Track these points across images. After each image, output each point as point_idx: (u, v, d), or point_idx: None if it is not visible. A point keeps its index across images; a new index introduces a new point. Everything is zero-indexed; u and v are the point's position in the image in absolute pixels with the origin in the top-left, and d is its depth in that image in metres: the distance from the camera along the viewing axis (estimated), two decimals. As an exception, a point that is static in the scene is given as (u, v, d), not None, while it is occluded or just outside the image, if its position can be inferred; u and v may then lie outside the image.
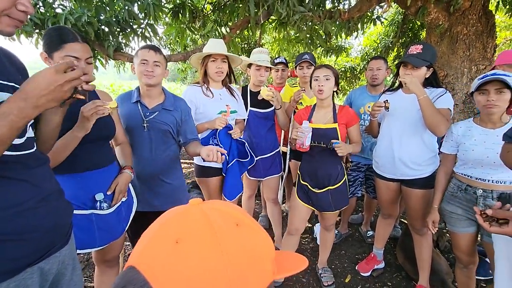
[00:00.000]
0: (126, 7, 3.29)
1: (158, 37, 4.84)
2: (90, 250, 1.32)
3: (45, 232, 0.86)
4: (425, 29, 4.86)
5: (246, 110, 2.10)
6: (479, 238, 1.61)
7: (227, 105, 1.86)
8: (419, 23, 6.63)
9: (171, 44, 6.85)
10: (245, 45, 8.50)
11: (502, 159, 1.13)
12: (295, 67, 2.46)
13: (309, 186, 1.82)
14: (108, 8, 3.56)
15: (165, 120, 1.57)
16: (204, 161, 1.88)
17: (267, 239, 0.49)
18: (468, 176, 1.52)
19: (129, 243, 2.19)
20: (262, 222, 2.84)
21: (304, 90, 2.28)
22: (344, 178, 1.83)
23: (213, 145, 1.80)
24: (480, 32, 4.07)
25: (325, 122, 1.79)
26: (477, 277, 1.73)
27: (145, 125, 1.55)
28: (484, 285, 2.01)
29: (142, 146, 1.56)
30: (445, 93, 1.67)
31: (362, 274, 2.15)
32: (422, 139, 1.72)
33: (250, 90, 2.19)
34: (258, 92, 2.16)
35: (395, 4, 4.48)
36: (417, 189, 1.77)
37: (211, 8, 4.44)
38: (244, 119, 2.08)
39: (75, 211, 1.12)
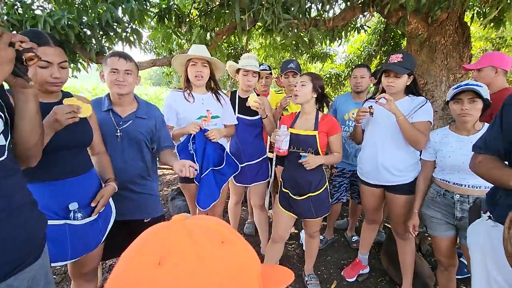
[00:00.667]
0: (110, 11, 3.22)
1: (143, 42, 4.78)
2: (62, 264, 1.26)
3: (15, 246, 0.81)
4: (405, 38, 5.05)
5: None
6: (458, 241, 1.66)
7: (207, 110, 1.85)
8: (400, 32, 6.89)
9: (156, 48, 6.78)
10: (232, 51, 8.53)
11: (471, 169, 1.16)
12: (281, 76, 2.48)
13: (290, 194, 1.82)
14: (90, 11, 3.48)
15: (140, 129, 1.54)
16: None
17: (253, 255, 0.48)
18: (446, 182, 1.58)
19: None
20: (249, 228, 2.83)
21: (291, 96, 2.29)
22: (325, 185, 1.83)
23: (191, 150, 1.78)
24: (457, 42, 4.27)
25: (306, 128, 1.80)
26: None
27: (118, 134, 1.50)
28: (464, 286, 2.08)
29: (114, 156, 1.51)
30: (426, 103, 1.73)
31: (347, 279, 2.17)
32: (404, 146, 1.76)
33: (238, 96, 2.18)
34: (246, 99, 2.16)
35: (378, 13, 4.63)
36: (400, 195, 1.81)
37: (197, 14, 4.43)
38: (234, 125, 2.06)
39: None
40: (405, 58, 1.69)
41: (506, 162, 1.04)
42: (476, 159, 1.14)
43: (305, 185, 1.78)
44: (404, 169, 1.78)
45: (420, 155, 1.82)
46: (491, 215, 1.05)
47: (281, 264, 2.28)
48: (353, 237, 2.67)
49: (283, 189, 1.85)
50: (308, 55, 7.22)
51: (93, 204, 1.27)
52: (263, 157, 2.25)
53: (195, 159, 1.78)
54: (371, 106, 1.75)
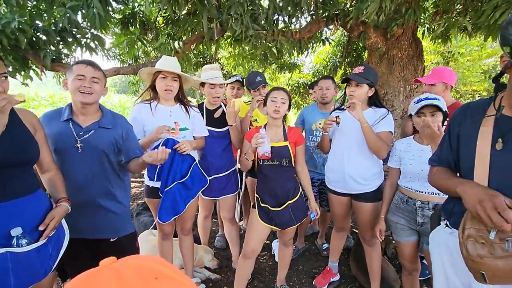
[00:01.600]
0: (67, 15, 3.02)
1: (105, 49, 4.55)
2: (3, 298, 1.11)
3: None
4: (367, 51, 5.37)
5: None
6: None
7: (175, 122, 1.78)
8: (362, 45, 7.32)
9: (120, 55, 6.50)
10: (201, 59, 8.45)
11: (428, 181, 1.23)
12: (249, 89, 2.46)
13: (269, 208, 1.81)
14: (45, 15, 3.24)
15: (103, 140, 1.44)
16: (150, 179, 1.77)
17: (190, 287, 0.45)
18: (408, 189, 1.66)
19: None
20: (219, 242, 2.75)
21: (262, 99, 2.29)
22: (300, 191, 1.89)
23: (159, 165, 1.70)
24: (412, 56, 4.62)
25: (277, 140, 1.84)
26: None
27: (78, 145, 1.39)
28: (426, 287, 2.18)
29: (75, 169, 1.39)
30: (387, 114, 1.82)
31: (319, 288, 2.18)
32: (369, 155, 1.84)
33: (206, 108, 2.13)
34: (214, 111, 2.13)
35: (341, 27, 4.87)
36: (366, 203, 1.87)
37: (164, 21, 4.33)
38: (203, 137, 1.99)
39: None
40: (366, 70, 1.80)
41: (458, 174, 1.11)
42: (432, 171, 1.21)
43: (284, 193, 1.81)
44: (369, 178, 1.85)
45: (383, 163, 1.92)
46: (447, 223, 1.12)
47: (253, 277, 2.24)
48: (324, 245, 2.70)
49: (262, 204, 1.84)
50: (277, 65, 7.37)
51: (41, 228, 1.14)
52: (231, 169, 2.21)
53: (162, 171, 1.71)
54: (338, 116, 1.82)
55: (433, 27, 5.35)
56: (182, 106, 1.86)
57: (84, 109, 1.41)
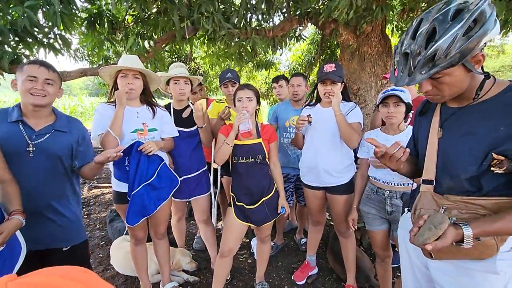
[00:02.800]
0: (26, 14, 2.83)
1: (71, 49, 4.34)
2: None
3: None
4: (340, 48, 5.51)
5: None
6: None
7: (143, 123, 1.73)
8: (335, 42, 7.48)
9: (90, 56, 6.23)
10: (176, 59, 8.28)
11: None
12: (220, 86, 2.45)
13: (244, 206, 1.81)
14: (1, 15, 3.03)
15: (58, 144, 1.38)
16: (119, 183, 1.70)
17: None
18: (377, 180, 1.74)
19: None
20: (198, 243, 2.70)
21: (230, 107, 2.28)
22: (275, 186, 1.90)
23: (127, 166, 1.64)
24: (381, 52, 4.79)
25: (250, 138, 1.82)
26: (392, 265, 1.93)
27: (30, 149, 1.32)
28: (399, 274, 2.27)
29: (26, 175, 1.31)
30: (355, 107, 1.90)
31: (297, 283, 2.21)
32: (340, 148, 1.89)
33: (173, 108, 2.08)
34: (182, 110, 2.08)
35: (313, 25, 4.95)
36: (339, 195, 1.92)
37: (133, 20, 4.18)
38: (172, 138, 1.94)
39: None
40: (338, 67, 1.85)
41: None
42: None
43: (259, 190, 1.82)
44: (342, 170, 1.90)
45: (355, 156, 1.98)
46: (409, 209, 1.18)
47: (232, 276, 2.23)
48: (302, 240, 2.74)
49: (237, 203, 1.83)
50: (253, 63, 7.37)
51: None
52: (202, 169, 2.17)
53: (128, 174, 1.65)
54: (309, 114, 1.85)
55: (400, 24, 5.59)
56: (149, 108, 1.80)
57: (36, 112, 1.34)
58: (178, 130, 1.95)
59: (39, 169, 1.34)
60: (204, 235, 2.29)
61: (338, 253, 2.23)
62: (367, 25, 4.28)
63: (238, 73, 2.52)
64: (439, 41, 0.80)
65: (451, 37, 0.79)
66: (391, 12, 5.49)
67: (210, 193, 2.26)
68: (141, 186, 1.67)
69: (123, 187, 1.71)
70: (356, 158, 2.55)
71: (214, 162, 2.45)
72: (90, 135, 1.59)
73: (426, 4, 4.32)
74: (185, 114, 2.07)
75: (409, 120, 1.79)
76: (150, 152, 1.65)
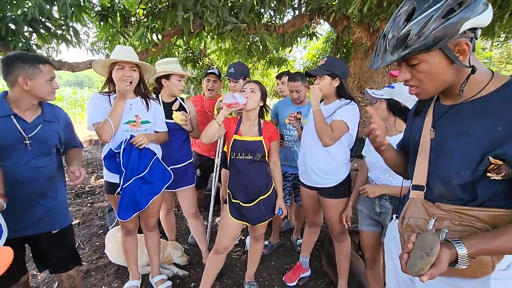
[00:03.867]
0: (39, 5, 2.91)
1: (85, 41, 4.44)
2: None
3: None
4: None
5: None
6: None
7: (136, 116, 1.72)
8: (351, 41, 7.28)
9: (105, 49, 6.37)
10: (190, 54, 8.34)
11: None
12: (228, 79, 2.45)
13: (240, 203, 1.77)
14: (16, 5, 3.13)
15: (50, 133, 1.44)
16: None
17: None
18: (371, 180, 1.69)
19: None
20: (193, 237, 2.66)
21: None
22: (273, 185, 1.84)
23: (118, 158, 1.64)
24: (395, 51, 4.61)
25: (251, 135, 1.80)
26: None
27: (27, 142, 1.37)
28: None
29: (22, 165, 1.36)
30: (347, 104, 1.76)
31: (288, 284, 2.15)
32: (328, 149, 1.78)
33: (162, 101, 2.07)
34: (171, 103, 2.08)
35: (325, 22, 4.82)
36: (327, 198, 1.85)
37: (144, 14, 4.23)
38: (165, 131, 1.93)
39: None
40: (328, 62, 1.77)
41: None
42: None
43: (256, 189, 1.78)
44: (328, 172, 1.81)
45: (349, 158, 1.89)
46: (397, 216, 1.09)
47: (222, 273, 2.20)
48: (298, 240, 2.67)
49: (233, 200, 1.79)
50: (265, 60, 7.30)
51: None
52: (188, 161, 2.18)
53: (119, 167, 1.65)
54: (300, 112, 1.79)
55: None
56: (143, 100, 1.79)
57: (34, 105, 1.40)
58: (166, 122, 1.93)
59: (35, 159, 1.39)
60: (194, 229, 2.27)
61: (332, 256, 2.15)
62: (380, 22, 4.12)
63: (250, 69, 2.51)
64: (413, 21, 0.73)
65: (426, 17, 0.71)
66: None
67: (196, 185, 2.28)
68: (132, 179, 1.67)
69: (114, 178, 1.71)
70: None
71: (217, 157, 2.46)
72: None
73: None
74: (174, 107, 2.06)
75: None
76: (141, 145, 1.64)
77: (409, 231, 0.91)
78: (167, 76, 1.99)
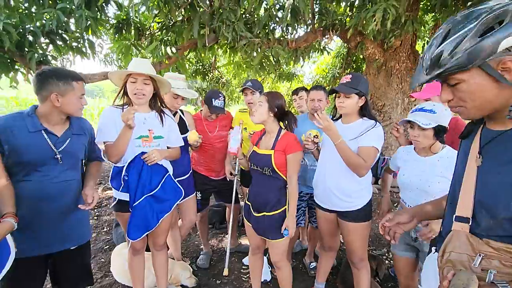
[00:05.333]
0: (57, 18, 2.95)
1: (98, 53, 4.49)
2: None
3: None
4: (365, 62, 5.32)
5: None
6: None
7: (149, 130, 1.66)
8: (361, 57, 7.27)
9: (118, 61, 6.48)
10: (200, 67, 8.43)
11: None
12: (242, 92, 2.42)
13: (251, 207, 1.80)
14: (35, 17, 3.18)
15: (78, 146, 1.46)
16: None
17: None
18: (403, 202, 1.62)
19: None
20: (202, 260, 2.52)
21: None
22: (283, 208, 1.71)
23: (126, 176, 1.58)
24: (410, 68, 4.54)
25: (266, 147, 1.76)
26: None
27: (58, 156, 1.36)
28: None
29: (53, 180, 1.36)
30: (373, 127, 1.64)
31: (303, 313, 2.01)
32: (350, 172, 1.67)
33: None
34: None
35: (338, 37, 4.81)
36: (349, 222, 1.73)
37: (158, 27, 4.28)
38: (178, 147, 1.87)
39: None
40: (354, 78, 1.66)
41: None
42: None
43: (262, 202, 1.74)
44: (352, 195, 1.70)
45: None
46: (437, 248, 0.99)
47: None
48: (311, 264, 2.53)
49: (246, 201, 1.85)
50: (275, 75, 7.32)
51: None
52: (190, 172, 2.26)
53: (129, 184, 1.59)
54: (316, 136, 1.71)
55: (432, 40, 5.31)
56: (158, 114, 1.74)
57: (63, 119, 1.41)
58: None
59: (66, 173, 1.40)
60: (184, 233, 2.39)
61: (349, 282, 2.02)
62: (395, 39, 4.08)
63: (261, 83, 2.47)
64: (446, 41, 0.72)
65: (460, 37, 0.69)
66: (422, 28, 5.24)
67: (199, 209, 2.37)
68: (143, 197, 1.60)
69: (124, 195, 1.64)
70: (377, 179, 2.34)
71: (231, 174, 2.40)
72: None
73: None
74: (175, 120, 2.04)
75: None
76: (153, 161, 1.58)
77: (449, 266, 0.81)
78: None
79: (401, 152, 1.71)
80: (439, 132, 1.45)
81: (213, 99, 2.23)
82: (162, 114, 1.76)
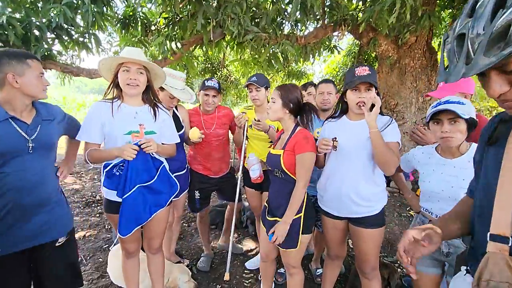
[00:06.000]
0: (63, 12, 2.90)
1: (108, 50, 4.45)
2: None
3: None
4: (378, 61, 5.11)
5: None
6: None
7: (140, 125, 1.54)
8: (373, 55, 7.04)
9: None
10: (209, 65, 8.36)
11: None
12: (246, 88, 2.30)
13: (267, 209, 1.72)
14: (41, 12, 3.15)
15: (50, 132, 1.37)
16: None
17: None
18: (429, 212, 1.42)
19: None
20: (203, 263, 2.40)
21: (245, 113, 2.18)
22: (297, 216, 1.56)
23: (117, 172, 1.47)
24: (425, 66, 4.32)
25: (278, 147, 1.67)
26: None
27: (30, 145, 1.27)
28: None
29: (27, 171, 1.26)
30: (392, 122, 1.53)
31: (308, 324, 1.88)
32: (370, 173, 1.55)
33: None
34: None
35: (350, 34, 4.64)
36: (366, 229, 1.58)
37: (165, 23, 4.21)
38: (174, 144, 1.75)
39: None
40: (372, 71, 1.52)
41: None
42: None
43: (275, 207, 1.64)
44: (371, 199, 1.55)
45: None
46: (469, 269, 0.83)
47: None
48: (318, 270, 2.39)
49: (265, 203, 1.77)
50: (284, 73, 7.17)
51: None
52: (186, 168, 2.22)
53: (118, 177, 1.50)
54: (335, 138, 1.54)
55: (450, 37, 5.04)
56: (151, 108, 1.62)
57: (27, 105, 1.31)
58: None
59: (41, 163, 1.32)
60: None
61: (358, 294, 1.87)
62: (410, 34, 3.88)
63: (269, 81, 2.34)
64: (508, 10, 0.50)
65: None
66: (439, 25, 4.99)
67: (198, 208, 2.35)
68: (136, 187, 1.48)
69: (113, 195, 1.54)
70: (389, 181, 2.18)
71: (239, 172, 2.32)
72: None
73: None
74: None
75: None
76: (149, 150, 1.47)
77: None
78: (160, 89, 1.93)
79: (419, 154, 1.49)
80: (471, 126, 1.27)
81: (205, 81, 2.17)
82: (156, 108, 1.64)
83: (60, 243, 1.41)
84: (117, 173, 1.47)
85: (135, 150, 1.41)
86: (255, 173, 1.83)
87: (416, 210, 1.63)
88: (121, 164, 1.47)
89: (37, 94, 1.30)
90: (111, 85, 1.55)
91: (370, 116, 1.43)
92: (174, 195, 1.67)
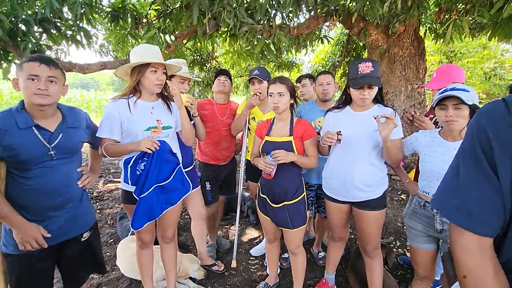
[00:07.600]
0: (50, 4, 2.81)
1: (93, 42, 4.33)
2: None
3: None
4: (367, 50, 5.21)
5: None
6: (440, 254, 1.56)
7: (157, 120, 1.58)
8: (361, 44, 7.15)
9: (115, 51, 6.30)
10: (198, 57, 8.25)
11: None
12: (249, 82, 2.33)
13: (267, 199, 1.77)
14: (27, 5, 3.04)
15: (74, 140, 1.37)
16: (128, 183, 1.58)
17: None
18: (426, 193, 1.51)
19: None
20: (210, 252, 2.48)
21: (259, 94, 2.20)
22: (302, 195, 1.75)
23: (138, 171, 1.51)
24: (413, 55, 4.46)
25: (281, 135, 1.75)
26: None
27: (51, 153, 1.27)
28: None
29: (49, 178, 1.28)
30: (396, 115, 1.60)
31: (314, 303, 2.00)
32: (374, 161, 1.66)
33: None
34: None
35: (340, 25, 4.70)
36: (369, 211, 1.69)
37: (156, 15, 4.13)
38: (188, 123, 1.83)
39: None
40: (375, 66, 1.58)
41: None
42: None
43: (281, 193, 1.73)
44: (374, 184, 1.66)
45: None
46: None
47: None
48: (320, 253, 2.52)
49: (261, 195, 1.82)
50: (275, 64, 7.19)
51: None
52: (193, 163, 2.22)
53: (138, 176, 1.53)
54: (340, 132, 1.61)
55: (435, 26, 5.19)
56: (164, 102, 1.66)
57: (44, 111, 1.27)
58: None
59: (62, 168, 1.33)
60: (195, 229, 2.31)
61: (360, 272, 2.00)
62: (400, 24, 3.99)
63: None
64: None
65: None
66: (424, 14, 5.12)
67: (209, 200, 2.36)
68: (152, 187, 1.54)
69: (131, 186, 1.58)
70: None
71: (242, 164, 2.38)
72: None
73: (464, 5, 3.95)
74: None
75: None
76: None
77: None
78: (169, 77, 1.90)
79: (422, 137, 1.57)
80: (473, 112, 1.37)
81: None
82: (168, 101, 1.68)
83: (85, 238, 1.46)
84: (138, 172, 1.50)
85: (156, 144, 1.47)
86: (273, 172, 1.79)
87: (414, 193, 1.75)
88: (144, 157, 1.51)
89: (28, 99, 1.21)
90: (133, 84, 1.54)
91: (385, 131, 1.51)
92: (186, 194, 1.72)
